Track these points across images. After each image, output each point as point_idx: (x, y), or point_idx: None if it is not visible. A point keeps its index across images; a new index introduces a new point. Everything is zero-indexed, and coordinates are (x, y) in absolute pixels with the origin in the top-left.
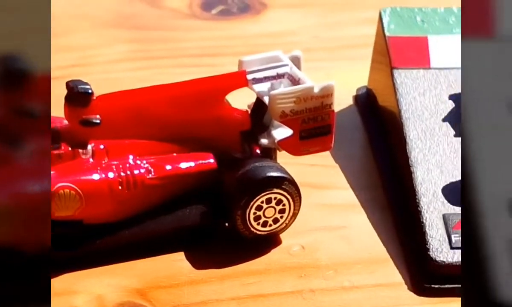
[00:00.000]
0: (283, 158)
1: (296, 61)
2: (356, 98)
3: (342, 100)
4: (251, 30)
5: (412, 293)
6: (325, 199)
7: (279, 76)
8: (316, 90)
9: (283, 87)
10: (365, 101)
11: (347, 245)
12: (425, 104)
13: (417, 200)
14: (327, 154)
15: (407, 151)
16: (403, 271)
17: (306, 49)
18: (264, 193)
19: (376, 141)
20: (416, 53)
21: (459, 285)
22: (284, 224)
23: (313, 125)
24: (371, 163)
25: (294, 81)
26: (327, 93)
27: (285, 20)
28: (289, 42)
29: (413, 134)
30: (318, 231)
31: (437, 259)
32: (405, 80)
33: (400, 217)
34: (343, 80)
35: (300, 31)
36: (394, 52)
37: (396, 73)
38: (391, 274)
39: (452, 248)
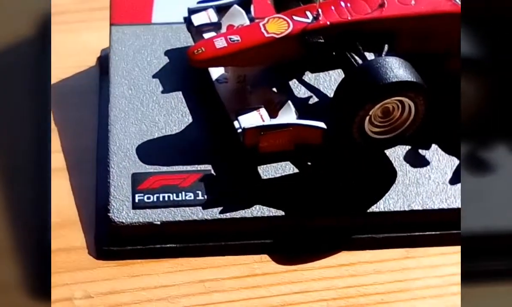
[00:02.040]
0: None
1: None
2: (100, 59)
3: (87, 62)
4: None
5: (91, 257)
6: None
7: None
8: None
9: None
10: (106, 61)
11: None
12: (137, 61)
13: (108, 160)
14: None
15: (109, 109)
16: (88, 235)
17: (64, 11)
18: None
19: (105, 103)
20: (139, 9)
21: (141, 247)
22: None
23: None
24: (95, 126)
25: None
26: None
27: None
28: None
29: (118, 92)
30: None
31: (116, 220)
32: (122, 36)
33: (97, 178)
34: (95, 41)
35: None
36: (116, 8)
37: (114, 29)
38: (75, 239)
39: (134, 208)
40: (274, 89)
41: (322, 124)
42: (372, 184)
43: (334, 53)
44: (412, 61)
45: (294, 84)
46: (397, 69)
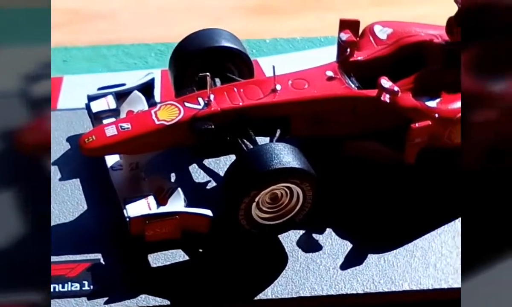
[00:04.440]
0: None
1: None
2: None
3: None
4: None
5: None
6: None
7: None
8: None
9: None
10: None
11: None
12: None
13: None
14: None
15: None
16: None
17: None
18: None
19: None
20: None
21: None
22: None
23: None
24: None
25: None
26: None
27: None
28: None
29: None
30: None
31: None
32: None
33: None
34: None
35: None
36: None
37: None
38: None
39: None
40: (173, 175)
41: (208, 212)
42: (261, 270)
43: (228, 139)
44: (309, 145)
45: (194, 168)
46: (282, 156)
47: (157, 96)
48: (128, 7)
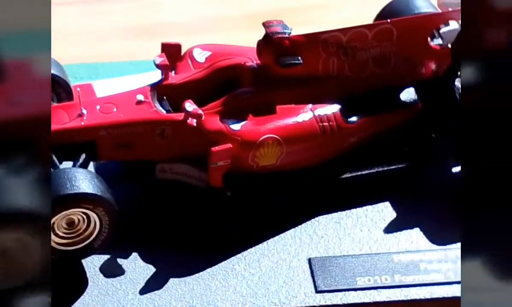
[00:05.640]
0: None
1: None
2: None
3: None
4: None
5: None
6: None
7: None
8: None
9: None
10: None
11: None
12: None
13: None
14: None
15: None
16: None
17: None
18: None
19: None
20: None
21: None
22: None
23: None
24: None
25: None
26: None
27: None
28: None
29: None
30: None
31: None
32: None
33: None
34: None
35: None
36: None
37: None
38: None
39: None
40: None
41: None
42: (59, 297)
43: None
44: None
45: None
46: (74, 181)
47: None
48: None
